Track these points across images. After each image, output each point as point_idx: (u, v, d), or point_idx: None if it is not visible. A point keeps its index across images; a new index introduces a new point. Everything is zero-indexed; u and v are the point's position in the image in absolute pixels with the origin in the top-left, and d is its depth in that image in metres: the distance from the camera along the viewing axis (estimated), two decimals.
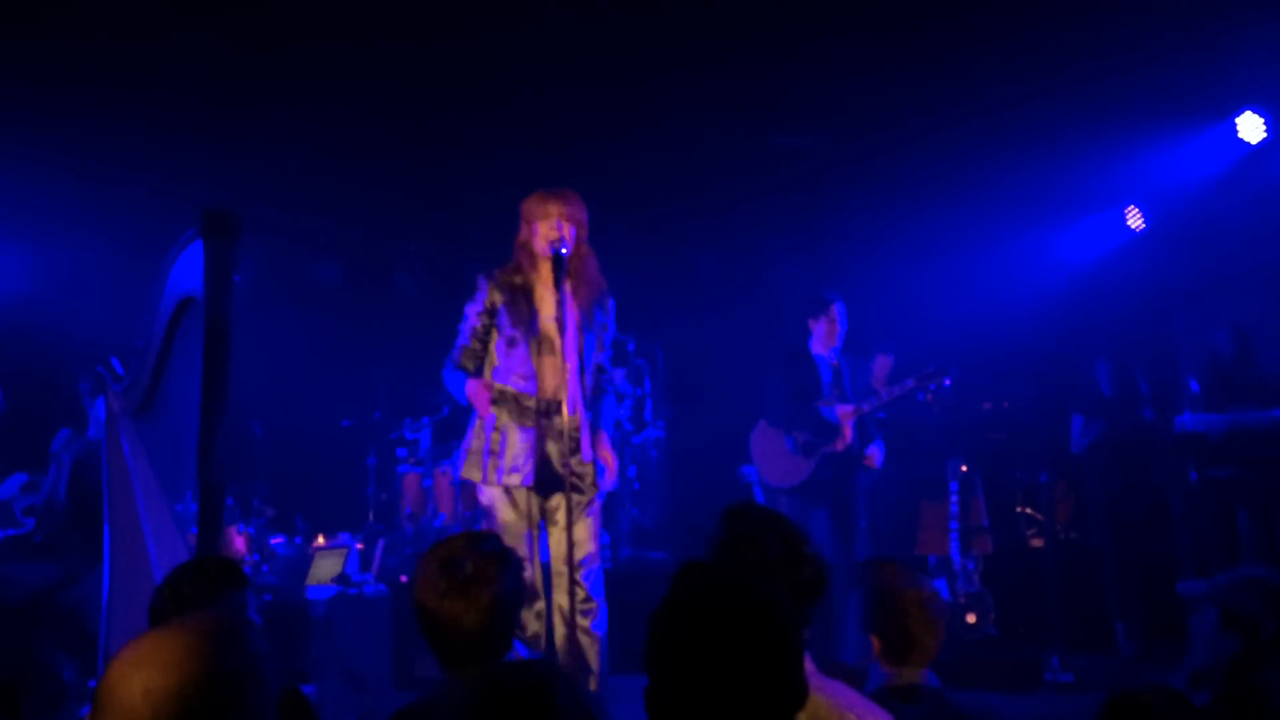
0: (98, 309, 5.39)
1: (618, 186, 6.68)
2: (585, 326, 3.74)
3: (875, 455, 5.27)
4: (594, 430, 3.78)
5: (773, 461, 5.44)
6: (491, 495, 3.72)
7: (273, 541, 5.36)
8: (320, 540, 5.45)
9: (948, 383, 5.18)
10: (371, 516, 6.39)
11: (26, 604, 4.66)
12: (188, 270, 3.44)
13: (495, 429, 3.71)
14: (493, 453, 3.69)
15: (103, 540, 3.75)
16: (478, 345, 3.78)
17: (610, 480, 3.83)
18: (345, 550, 5.12)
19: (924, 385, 5.24)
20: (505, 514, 3.69)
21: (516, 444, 3.66)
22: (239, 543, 5.07)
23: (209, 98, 5.63)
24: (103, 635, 3.61)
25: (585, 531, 3.73)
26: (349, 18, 5.19)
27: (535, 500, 3.70)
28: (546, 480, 3.69)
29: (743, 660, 1.48)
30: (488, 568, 2.12)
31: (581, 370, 3.70)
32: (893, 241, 7.30)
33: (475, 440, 3.76)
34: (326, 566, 5.00)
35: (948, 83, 5.84)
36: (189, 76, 5.45)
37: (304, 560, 5.15)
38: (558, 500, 3.66)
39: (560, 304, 3.60)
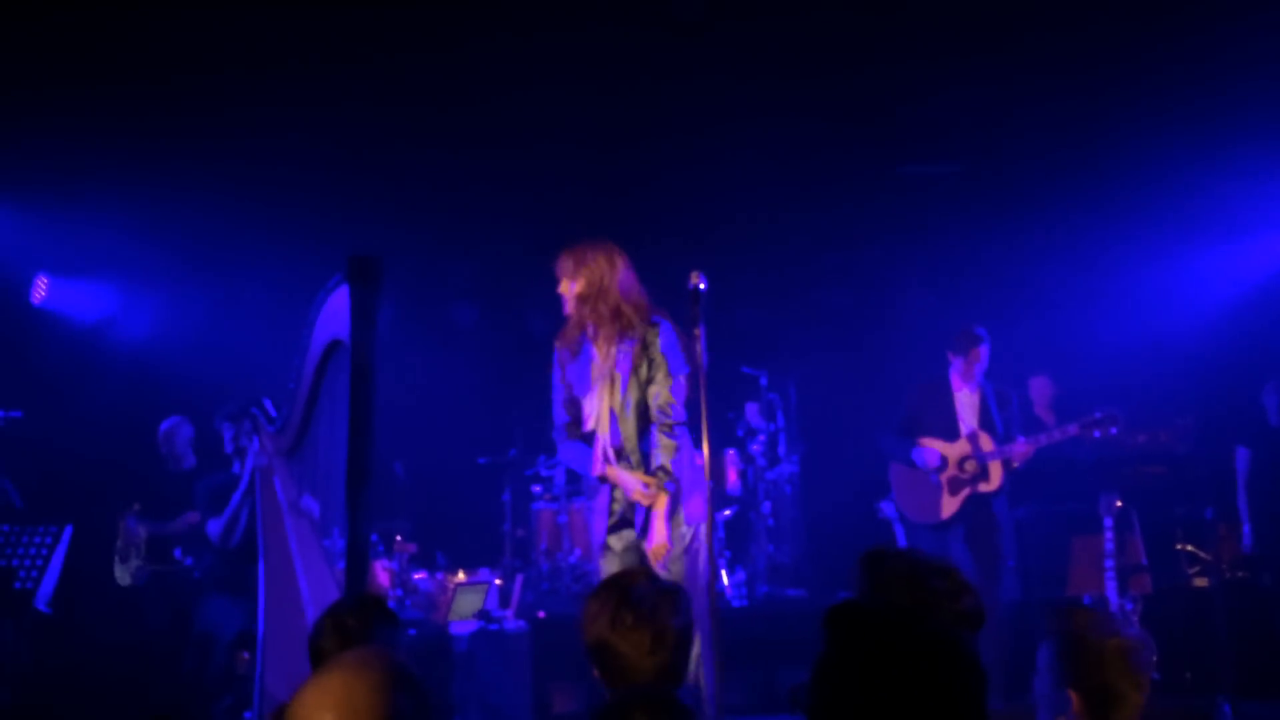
0: (252, 352, 5.67)
1: (746, 223, 6.67)
2: (620, 369, 3.71)
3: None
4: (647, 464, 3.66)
5: (915, 496, 5.29)
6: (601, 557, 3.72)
7: (415, 577, 5.48)
8: (460, 576, 5.55)
9: (1114, 431, 4.99)
10: (508, 553, 6.48)
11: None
12: (335, 314, 3.58)
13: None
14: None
15: (257, 575, 3.90)
16: (572, 413, 3.79)
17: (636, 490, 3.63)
18: (486, 586, 5.20)
19: (1088, 432, 5.05)
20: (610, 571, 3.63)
21: (601, 501, 3.71)
22: (383, 578, 5.20)
23: (356, 147, 5.89)
24: (259, 668, 3.74)
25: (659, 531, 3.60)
26: (493, 70, 5.35)
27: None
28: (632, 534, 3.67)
29: (929, 701, 1.39)
30: (665, 602, 2.16)
31: (622, 414, 3.68)
32: (1034, 269, 7.05)
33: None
34: (468, 602, 5.07)
35: (1093, 102, 5.63)
36: (338, 126, 5.70)
37: (445, 595, 5.24)
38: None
39: (578, 352, 3.66)
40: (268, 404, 4.24)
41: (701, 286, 3.50)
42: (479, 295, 7.79)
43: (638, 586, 2.15)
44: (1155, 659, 5.79)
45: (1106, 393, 6.42)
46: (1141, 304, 6.74)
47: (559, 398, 3.81)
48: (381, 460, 6.42)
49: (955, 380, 5.28)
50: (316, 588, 3.74)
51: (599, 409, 3.69)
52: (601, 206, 6.60)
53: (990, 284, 7.21)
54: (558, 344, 3.80)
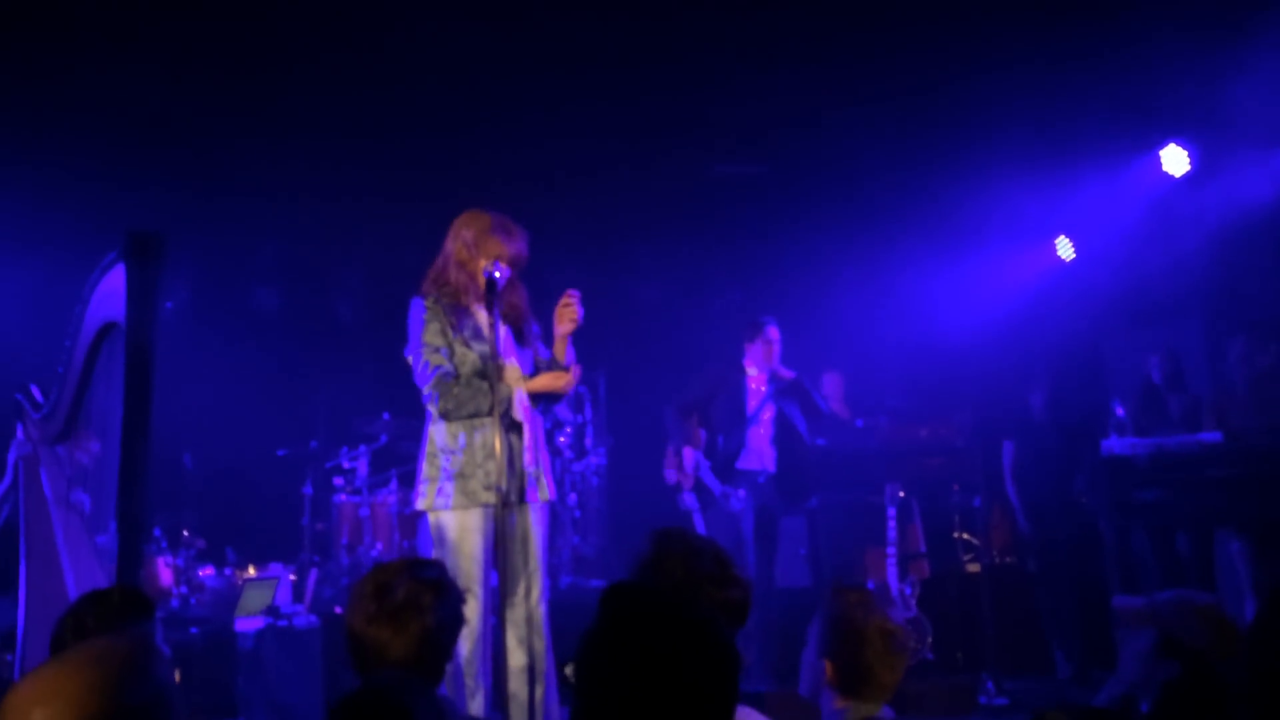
0: (19, 332, 5.26)
1: (559, 214, 6.69)
2: (523, 341, 3.70)
3: None
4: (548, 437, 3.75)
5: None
6: (458, 523, 3.46)
7: (202, 573, 5.23)
8: (251, 571, 5.33)
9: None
10: (306, 546, 6.28)
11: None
12: (110, 294, 3.37)
13: (458, 451, 3.50)
14: (462, 475, 3.48)
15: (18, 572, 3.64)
16: (452, 368, 3.54)
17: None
18: (275, 581, 5.01)
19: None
20: (472, 542, 3.45)
21: (485, 462, 3.47)
22: (166, 575, 4.95)
23: (142, 117, 5.55)
24: (17, 673, 3.50)
25: (539, 550, 3.61)
26: (295, 42, 5.15)
27: (497, 518, 3.37)
28: (511, 494, 3.49)
29: (681, 682, 1.44)
30: (422, 596, 2.10)
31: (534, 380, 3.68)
32: (834, 270, 7.39)
33: (430, 468, 3.54)
34: (255, 598, 4.88)
35: (886, 114, 5.94)
36: (120, 94, 5.36)
37: (233, 592, 5.03)
38: (519, 515, 3.54)
39: (494, 324, 3.51)
40: (34, 390, 3.95)
41: (496, 275, 3.46)
42: (282, 280, 7.52)
43: (394, 577, 2.12)
44: (930, 640, 6.17)
45: (893, 389, 6.81)
46: (926, 309, 7.17)
47: (438, 352, 3.56)
48: (168, 451, 6.12)
49: (750, 368, 5.48)
50: (85, 587, 3.51)
51: (512, 367, 3.65)
52: (408, 192, 6.49)
53: (792, 283, 7.51)
54: (442, 300, 3.62)
